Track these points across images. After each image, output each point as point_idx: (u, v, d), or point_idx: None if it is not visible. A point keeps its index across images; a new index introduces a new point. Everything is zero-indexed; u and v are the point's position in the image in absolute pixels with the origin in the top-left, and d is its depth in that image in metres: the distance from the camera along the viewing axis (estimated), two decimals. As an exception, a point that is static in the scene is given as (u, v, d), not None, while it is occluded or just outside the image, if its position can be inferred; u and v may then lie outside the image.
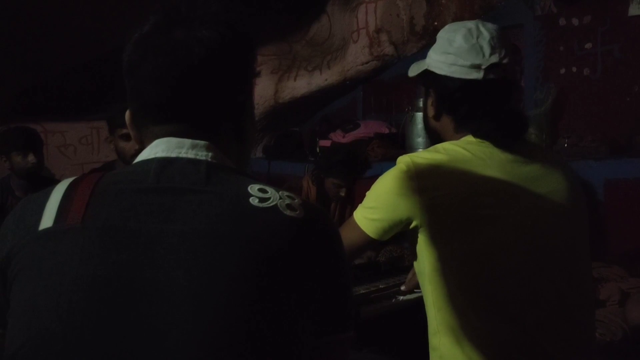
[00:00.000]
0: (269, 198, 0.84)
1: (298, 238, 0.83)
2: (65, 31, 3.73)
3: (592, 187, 3.42)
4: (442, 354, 1.36)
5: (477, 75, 1.38)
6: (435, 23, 4.39)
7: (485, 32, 1.40)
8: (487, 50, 1.38)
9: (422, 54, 4.56)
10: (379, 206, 1.39)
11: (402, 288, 2.33)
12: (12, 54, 3.76)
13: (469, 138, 1.41)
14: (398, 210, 1.36)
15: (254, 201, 0.83)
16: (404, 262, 2.76)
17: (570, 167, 1.51)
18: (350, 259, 1.48)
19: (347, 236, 1.37)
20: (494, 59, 1.38)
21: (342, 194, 3.20)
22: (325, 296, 0.85)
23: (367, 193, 1.44)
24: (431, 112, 1.48)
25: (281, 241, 0.81)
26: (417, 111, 3.93)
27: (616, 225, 3.35)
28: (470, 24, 1.43)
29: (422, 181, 1.33)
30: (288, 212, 0.83)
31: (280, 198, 0.85)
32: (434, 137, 1.52)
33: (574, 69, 3.97)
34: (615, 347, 2.35)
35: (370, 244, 1.44)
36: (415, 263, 1.44)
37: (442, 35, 1.46)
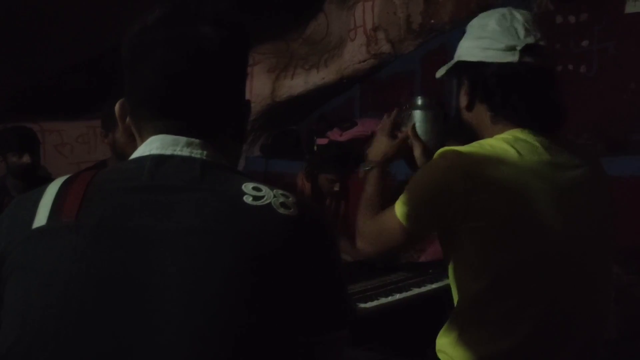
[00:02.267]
0: (263, 196, 0.84)
1: (292, 236, 0.83)
2: (62, 30, 3.73)
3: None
4: (455, 349, 1.35)
5: (513, 57, 1.33)
6: (432, 21, 4.39)
7: (519, 15, 1.37)
8: (521, 32, 1.34)
9: (418, 52, 4.57)
10: (420, 203, 1.34)
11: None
12: (9, 53, 3.76)
13: (514, 132, 1.35)
14: (439, 208, 1.31)
15: (248, 199, 0.83)
16: (401, 260, 2.76)
17: (602, 165, 1.47)
18: (389, 253, 1.44)
19: (388, 231, 1.37)
20: (530, 39, 1.34)
21: (336, 188, 3.21)
22: (319, 294, 0.85)
23: (408, 186, 1.37)
24: (464, 101, 1.43)
25: (275, 239, 0.81)
26: (415, 109, 3.92)
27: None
28: (503, 9, 1.39)
29: (467, 182, 1.27)
30: (282, 211, 0.84)
31: (275, 196, 0.85)
32: (469, 132, 1.46)
33: (571, 67, 3.97)
34: (611, 346, 2.35)
35: (406, 237, 1.37)
36: (449, 267, 1.40)
37: (473, 23, 1.42)
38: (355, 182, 3.31)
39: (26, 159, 3.05)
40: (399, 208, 1.36)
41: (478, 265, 1.32)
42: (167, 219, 0.80)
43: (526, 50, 1.33)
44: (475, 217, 1.27)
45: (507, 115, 1.36)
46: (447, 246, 1.38)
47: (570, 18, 3.96)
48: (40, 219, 0.82)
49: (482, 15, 1.42)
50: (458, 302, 1.38)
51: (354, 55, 4.75)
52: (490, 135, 1.38)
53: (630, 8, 3.71)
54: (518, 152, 1.30)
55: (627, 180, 3.35)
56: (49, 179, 0.89)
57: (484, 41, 1.36)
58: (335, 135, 4.92)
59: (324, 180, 3.22)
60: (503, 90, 1.36)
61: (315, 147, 4.86)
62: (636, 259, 3.06)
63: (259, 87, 5.03)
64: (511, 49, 1.33)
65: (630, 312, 2.52)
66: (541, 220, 1.29)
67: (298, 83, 5.04)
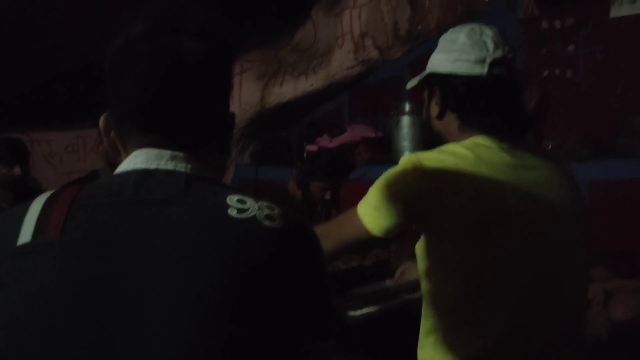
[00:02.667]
0: (248, 209, 0.84)
1: (277, 248, 0.83)
2: (50, 40, 3.72)
3: (576, 188, 3.44)
4: (436, 352, 1.37)
5: (482, 70, 1.38)
6: (419, 27, 4.41)
7: (488, 30, 1.42)
8: (490, 45, 1.39)
9: (406, 58, 4.58)
10: (382, 205, 1.37)
11: (388, 282, 2.32)
12: (-4, 63, 3.75)
13: (475, 139, 1.40)
14: (401, 211, 1.35)
15: (232, 212, 0.83)
16: (390, 266, 2.77)
17: (570, 169, 1.52)
18: (346, 252, 1.47)
19: (348, 232, 1.41)
20: (498, 53, 1.39)
21: (327, 197, 3.21)
22: (306, 305, 0.86)
23: (371, 188, 1.41)
24: (435, 111, 1.48)
25: (259, 252, 0.81)
26: (403, 115, 3.95)
27: (600, 227, 3.36)
28: (473, 24, 1.45)
29: (427, 183, 1.32)
30: (267, 223, 0.84)
31: (259, 209, 0.85)
32: (437, 140, 1.50)
33: (557, 71, 3.99)
34: (600, 348, 2.36)
35: (373, 241, 1.41)
36: (418, 263, 1.44)
37: (444, 37, 1.47)
38: (346, 189, 3.31)
39: (17, 170, 3.04)
40: (362, 209, 1.40)
41: (447, 265, 1.35)
42: (151, 233, 0.80)
43: (494, 63, 1.39)
44: (437, 218, 1.32)
45: (475, 123, 1.42)
46: (419, 250, 1.41)
47: (556, 23, 3.99)
48: (25, 235, 0.82)
49: (452, 30, 1.47)
50: (431, 308, 1.40)
51: (342, 62, 4.77)
52: (455, 141, 1.44)
53: (615, 12, 3.74)
54: (476, 155, 1.35)
55: (614, 184, 3.37)
56: (38, 190, 0.89)
57: (453, 54, 1.41)
58: (325, 141, 4.93)
59: (315, 187, 3.22)
60: (472, 100, 1.41)
61: (305, 154, 4.87)
62: (624, 261, 3.08)
63: (248, 95, 5.04)
64: (480, 61, 1.38)
65: (620, 315, 2.53)
66: (502, 216, 1.33)
67: (287, 90, 5.05)
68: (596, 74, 3.84)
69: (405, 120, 3.93)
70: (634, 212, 3.25)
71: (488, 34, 1.41)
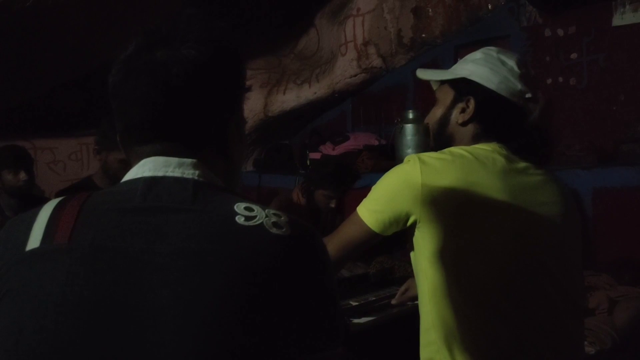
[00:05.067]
0: (255, 216, 0.84)
1: (284, 256, 0.83)
2: (53, 48, 3.73)
3: (580, 195, 3.44)
4: (438, 348, 1.38)
5: (519, 101, 1.46)
6: (423, 35, 4.42)
7: (530, 70, 1.51)
8: (530, 82, 1.48)
9: (409, 66, 4.59)
10: (381, 197, 1.42)
11: (393, 302, 2.33)
12: (0, 71, 3.76)
13: (477, 145, 1.47)
14: (399, 203, 1.39)
15: (240, 220, 0.83)
16: (395, 274, 2.76)
17: (562, 181, 1.57)
18: (351, 255, 1.50)
19: (348, 230, 1.45)
20: (535, 92, 1.47)
21: (333, 205, 3.21)
22: (313, 313, 0.85)
23: (373, 187, 1.47)
24: (460, 117, 1.51)
25: (267, 259, 0.81)
26: (406, 123, 3.94)
27: (604, 234, 3.37)
28: (516, 54, 1.53)
29: (424, 177, 1.36)
30: (274, 230, 0.84)
31: (267, 216, 0.85)
32: (444, 144, 1.53)
33: (561, 79, 4.00)
34: (605, 356, 2.35)
35: (372, 238, 1.44)
36: (412, 256, 1.47)
37: (489, 53, 1.51)
38: (351, 198, 3.32)
39: (22, 176, 3.05)
40: (362, 207, 1.45)
41: (440, 260, 1.38)
42: (159, 240, 0.80)
43: (530, 100, 1.47)
44: (432, 214, 1.36)
45: (491, 136, 1.49)
46: (415, 245, 1.44)
47: (559, 31, 4.00)
48: (34, 241, 0.82)
49: (499, 51, 1.53)
50: (427, 304, 1.42)
51: (345, 70, 4.78)
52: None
53: (617, 21, 3.75)
54: (474, 156, 1.41)
55: (618, 191, 3.37)
56: (42, 198, 0.90)
57: (500, 75, 1.47)
58: (328, 149, 4.93)
59: (320, 196, 3.23)
60: (503, 120, 1.48)
61: (308, 162, 4.87)
62: (629, 269, 3.07)
63: (252, 103, 5.05)
64: (521, 94, 1.46)
65: (624, 323, 2.52)
66: (493, 215, 1.37)
67: (290, 98, 5.06)
68: (599, 81, 3.84)
69: (409, 128, 3.91)
70: (637, 219, 3.25)
71: (531, 73, 1.50)
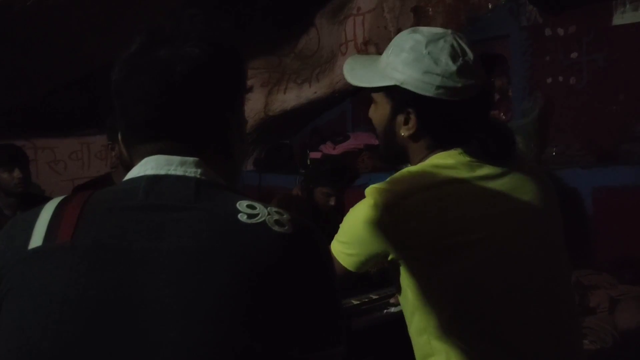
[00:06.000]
0: (258, 214, 0.85)
1: (286, 254, 0.83)
2: (54, 47, 3.73)
3: (579, 194, 3.45)
4: None
5: (465, 98, 1.30)
6: (423, 35, 4.42)
7: (466, 46, 1.32)
8: (475, 73, 1.31)
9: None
10: (352, 242, 1.34)
11: (392, 301, 2.33)
12: (1, 71, 3.76)
13: (435, 158, 1.35)
14: (372, 246, 1.31)
15: (242, 217, 0.83)
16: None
17: (543, 173, 1.46)
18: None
19: None
20: (480, 80, 1.32)
21: (332, 202, 3.21)
22: (315, 311, 0.85)
23: (341, 225, 1.38)
24: (406, 131, 1.35)
25: (269, 257, 0.81)
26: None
27: (604, 233, 3.37)
28: (448, 36, 1.33)
29: (391, 216, 1.27)
30: (276, 228, 0.84)
31: (269, 214, 0.85)
32: (397, 155, 1.43)
33: (561, 79, 4.01)
34: (605, 355, 2.36)
35: (350, 275, 1.37)
36: (400, 300, 1.39)
37: (418, 48, 1.32)
38: (351, 196, 3.32)
39: (17, 174, 3.05)
40: (335, 247, 1.37)
41: (425, 291, 1.30)
42: (161, 238, 0.80)
43: (477, 88, 1.32)
44: (405, 246, 1.28)
45: (446, 143, 1.35)
46: (399, 281, 1.36)
47: (559, 30, 4.00)
48: (36, 239, 0.82)
49: (428, 38, 1.32)
50: (418, 339, 1.36)
51: (345, 70, 4.77)
52: (419, 158, 1.38)
53: (617, 20, 3.76)
54: (434, 174, 1.30)
55: (618, 190, 3.37)
56: (40, 196, 0.90)
57: (435, 78, 1.29)
58: (328, 149, 4.94)
59: (320, 194, 3.23)
60: (452, 124, 1.34)
61: (308, 161, 4.88)
62: (629, 268, 3.08)
63: (252, 102, 5.05)
64: (465, 90, 1.30)
65: (625, 322, 2.53)
66: (466, 230, 1.28)
67: (290, 97, 5.06)
68: (599, 81, 3.85)
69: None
70: (637, 218, 3.25)
71: (470, 56, 1.31)
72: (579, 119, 3.92)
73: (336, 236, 1.38)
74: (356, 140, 4.85)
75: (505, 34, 4.27)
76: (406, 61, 1.32)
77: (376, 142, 4.66)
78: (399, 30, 4.49)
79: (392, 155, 1.44)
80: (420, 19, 4.43)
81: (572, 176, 3.46)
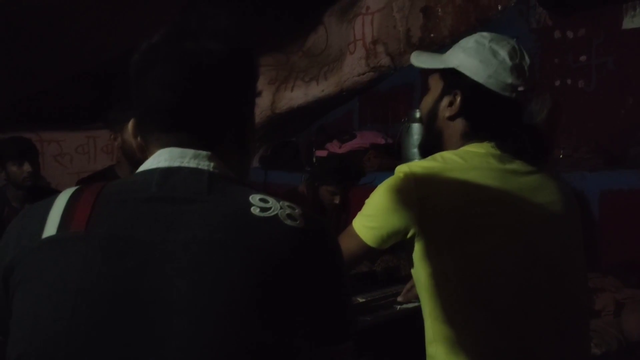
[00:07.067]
0: (270, 208, 0.85)
1: (298, 248, 0.84)
2: (62, 40, 3.74)
3: (587, 198, 3.44)
4: None
5: (510, 95, 1.38)
6: (432, 35, 4.41)
7: (527, 56, 1.41)
8: (526, 74, 1.39)
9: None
10: (377, 214, 1.38)
11: (399, 299, 2.34)
12: (8, 63, 3.77)
13: (469, 147, 1.41)
14: (396, 219, 1.35)
15: (255, 211, 0.84)
16: (401, 272, 2.76)
17: (564, 179, 1.53)
18: (349, 268, 1.47)
19: (345, 245, 1.36)
20: (530, 84, 1.39)
21: (337, 201, 3.21)
22: (325, 306, 0.86)
23: (366, 201, 1.43)
24: (447, 111, 1.44)
25: (282, 251, 0.82)
26: (413, 122, 3.95)
27: (611, 236, 3.36)
28: (512, 41, 1.43)
29: (419, 190, 1.32)
30: (289, 222, 0.84)
31: (281, 208, 0.86)
32: (433, 139, 1.49)
33: (569, 81, 4.00)
34: (611, 358, 2.36)
35: (369, 252, 1.41)
36: (413, 272, 1.43)
37: (481, 41, 1.42)
38: (356, 195, 3.32)
39: (26, 167, 3.06)
40: (357, 222, 1.41)
41: (441, 273, 1.34)
42: (174, 230, 0.81)
43: (524, 93, 1.40)
44: (428, 225, 1.32)
45: (481, 134, 1.42)
46: (415, 260, 1.40)
47: (569, 33, 4.00)
48: (50, 229, 0.83)
49: (491, 37, 1.43)
50: (430, 318, 1.39)
51: (353, 68, 4.78)
52: (453, 147, 1.44)
53: (627, 24, 3.75)
54: (466, 161, 1.36)
55: (625, 194, 3.36)
56: (48, 189, 0.90)
57: (490, 67, 1.38)
58: (334, 147, 4.94)
59: (325, 192, 3.23)
60: (491, 116, 1.42)
61: (314, 159, 4.88)
62: (636, 271, 3.07)
63: (259, 99, 5.02)
64: (513, 88, 1.38)
65: (631, 325, 2.52)
66: (490, 220, 1.33)
67: (298, 95, 5.06)
68: (608, 84, 3.84)
69: (416, 128, 3.93)
70: (644, 223, 3.24)
71: (527, 62, 1.40)
72: (587, 122, 3.91)
73: (361, 211, 1.42)
74: (362, 139, 4.84)
75: (515, 35, 4.25)
76: (468, 51, 1.43)
77: (382, 141, 4.71)
78: (408, 30, 4.52)
79: (429, 140, 1.51)
80: (429, 19, 4.42)
81: (579, 179, 3.45)
